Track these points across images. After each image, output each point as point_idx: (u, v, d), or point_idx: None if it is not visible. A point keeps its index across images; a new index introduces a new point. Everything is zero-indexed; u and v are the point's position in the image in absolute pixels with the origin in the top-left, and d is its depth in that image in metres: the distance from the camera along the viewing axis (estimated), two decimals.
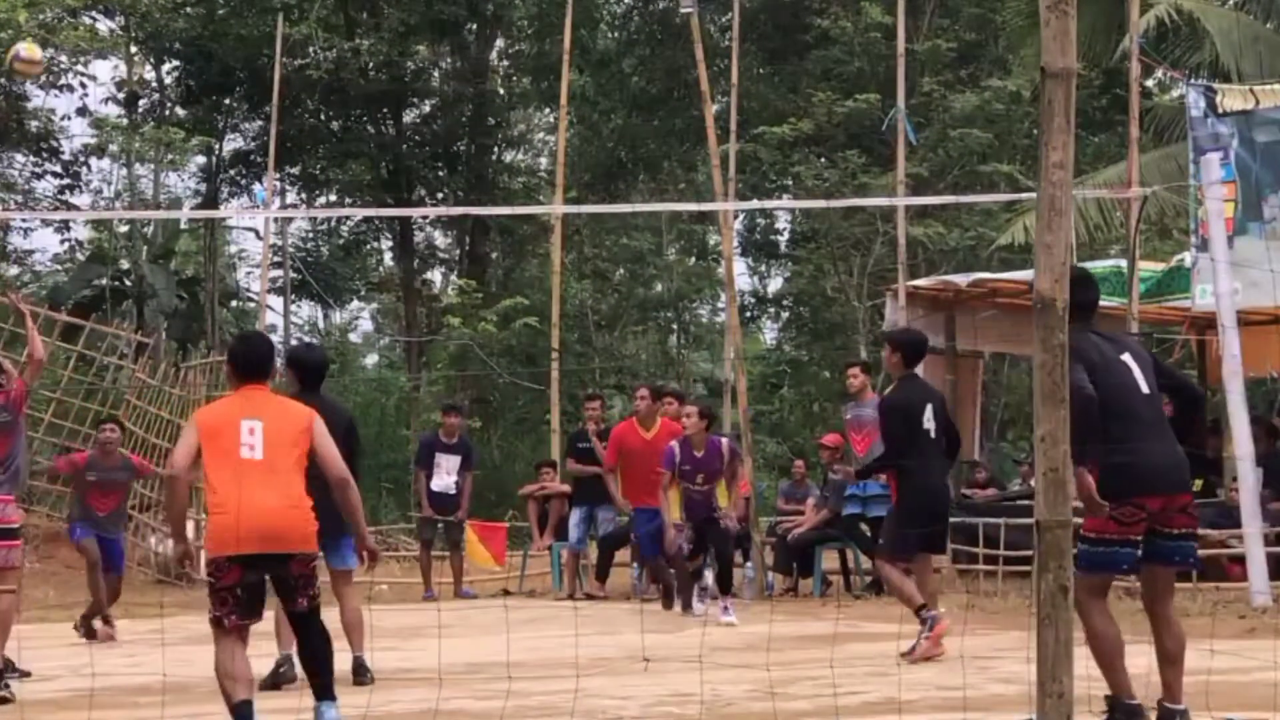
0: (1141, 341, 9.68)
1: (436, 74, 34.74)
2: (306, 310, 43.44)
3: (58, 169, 30.69)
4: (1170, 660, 6.91)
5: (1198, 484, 15.96)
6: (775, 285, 38.18)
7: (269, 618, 7.87)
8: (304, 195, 35.40)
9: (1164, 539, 6.87)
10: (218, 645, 7.33)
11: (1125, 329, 14.84)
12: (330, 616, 7.83)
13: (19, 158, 30.64)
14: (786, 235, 36.16)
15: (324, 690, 7.52)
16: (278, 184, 32.50)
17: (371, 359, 45.76)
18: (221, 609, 7.30)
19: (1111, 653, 6.82)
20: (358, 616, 9.62)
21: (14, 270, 33.50)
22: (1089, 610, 6.77)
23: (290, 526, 7.35)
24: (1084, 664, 5.18)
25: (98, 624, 13.18)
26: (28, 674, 10.26)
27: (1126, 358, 7.01)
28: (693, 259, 36.85)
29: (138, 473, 14.24)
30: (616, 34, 35.01)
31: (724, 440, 13.86)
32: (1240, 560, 13.24)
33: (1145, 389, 6.95)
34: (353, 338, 46.60)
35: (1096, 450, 6.53)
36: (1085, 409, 6.28)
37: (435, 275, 38.79)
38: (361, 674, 9.47)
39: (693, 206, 27.07)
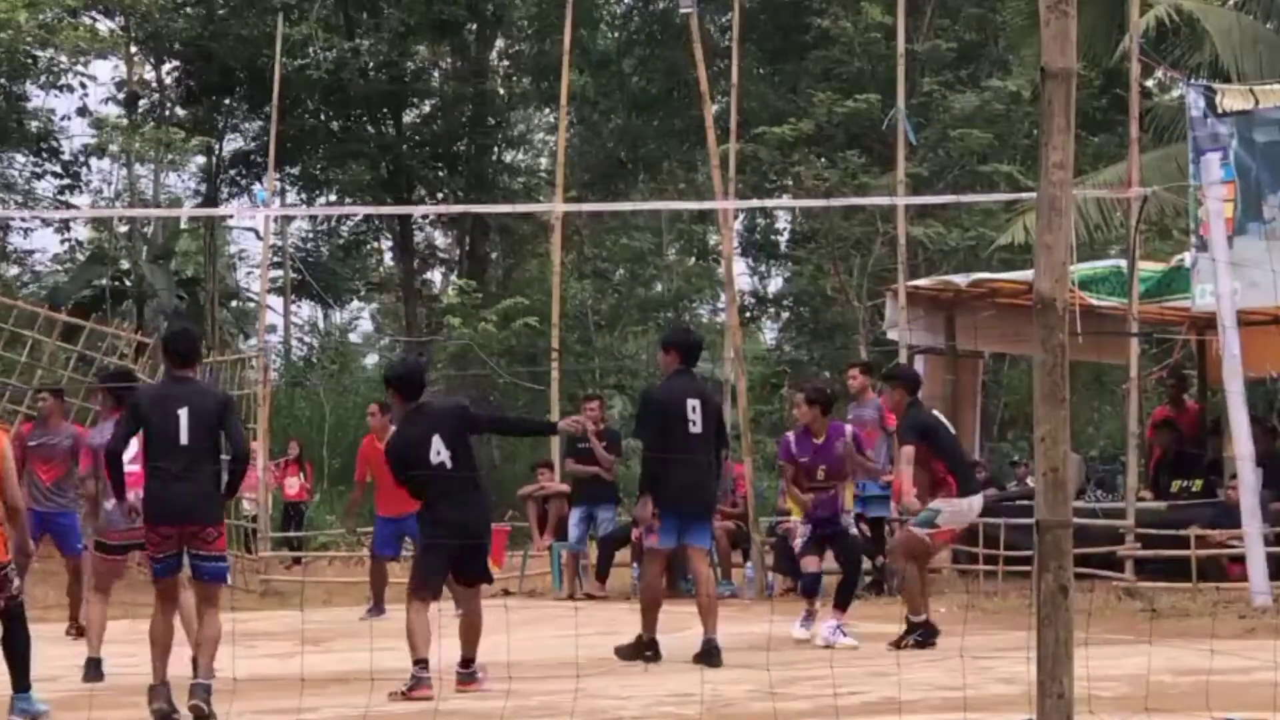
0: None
1: (436, 74, 34.73)
2: (306, 310, 43.50)
3: (58, 169, 30.67)
4: None
5: (1198, 484, 16.06)
6: (775, 285, 38.18)
7: None
8: (304, 195, 35.36)
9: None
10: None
11: (1125, 329, 14.87)
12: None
13: (19, 158, 30.61)
14: (786, 235, 36.14)
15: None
16: (278, 184, 32.48)
17: (371, 359, 45.73)
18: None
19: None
20: None
21: (14, 270, 33.48)
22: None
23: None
24: (1084, 664, 5.18)
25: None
26: None
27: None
28: (693, 259, 36.83)
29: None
30: (616, 34, 34.99)
31: (848, 428, 12.19)
32: (1240, 560, 13.24)
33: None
34: (353, 338, 46.60)
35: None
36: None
37: (435, 275, 38.81)
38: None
39: (693, 206, 27.03)
